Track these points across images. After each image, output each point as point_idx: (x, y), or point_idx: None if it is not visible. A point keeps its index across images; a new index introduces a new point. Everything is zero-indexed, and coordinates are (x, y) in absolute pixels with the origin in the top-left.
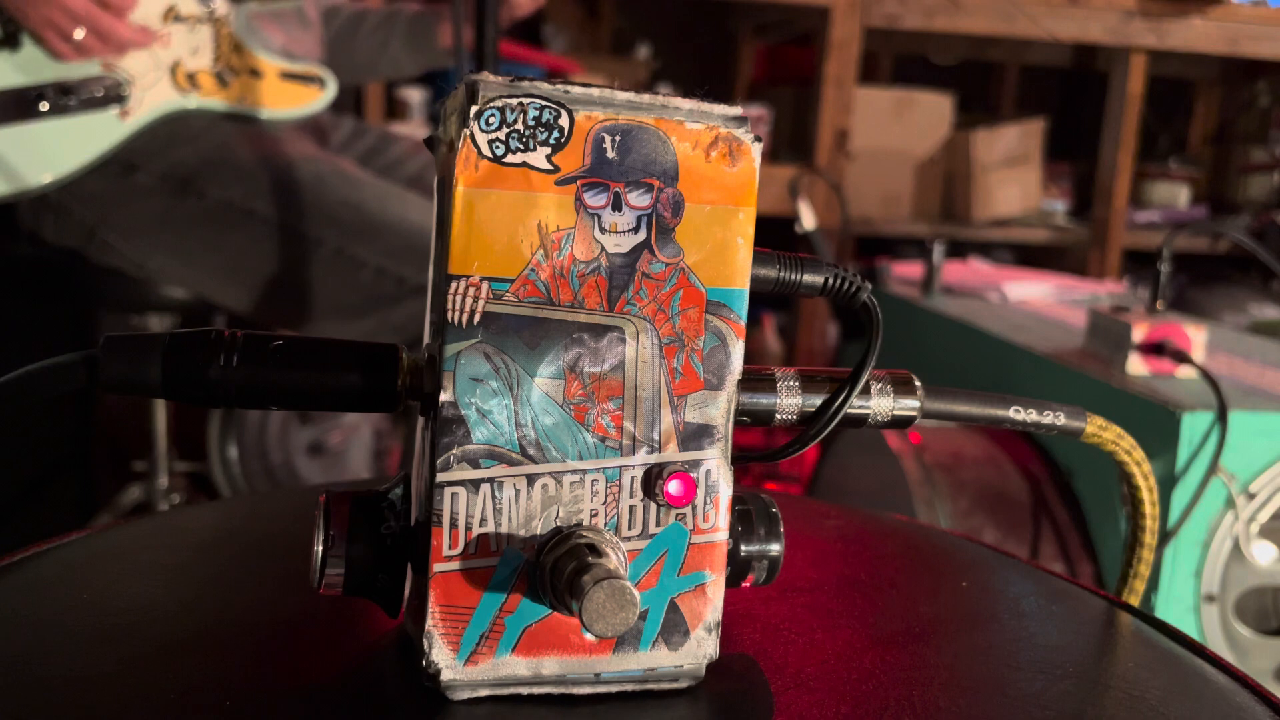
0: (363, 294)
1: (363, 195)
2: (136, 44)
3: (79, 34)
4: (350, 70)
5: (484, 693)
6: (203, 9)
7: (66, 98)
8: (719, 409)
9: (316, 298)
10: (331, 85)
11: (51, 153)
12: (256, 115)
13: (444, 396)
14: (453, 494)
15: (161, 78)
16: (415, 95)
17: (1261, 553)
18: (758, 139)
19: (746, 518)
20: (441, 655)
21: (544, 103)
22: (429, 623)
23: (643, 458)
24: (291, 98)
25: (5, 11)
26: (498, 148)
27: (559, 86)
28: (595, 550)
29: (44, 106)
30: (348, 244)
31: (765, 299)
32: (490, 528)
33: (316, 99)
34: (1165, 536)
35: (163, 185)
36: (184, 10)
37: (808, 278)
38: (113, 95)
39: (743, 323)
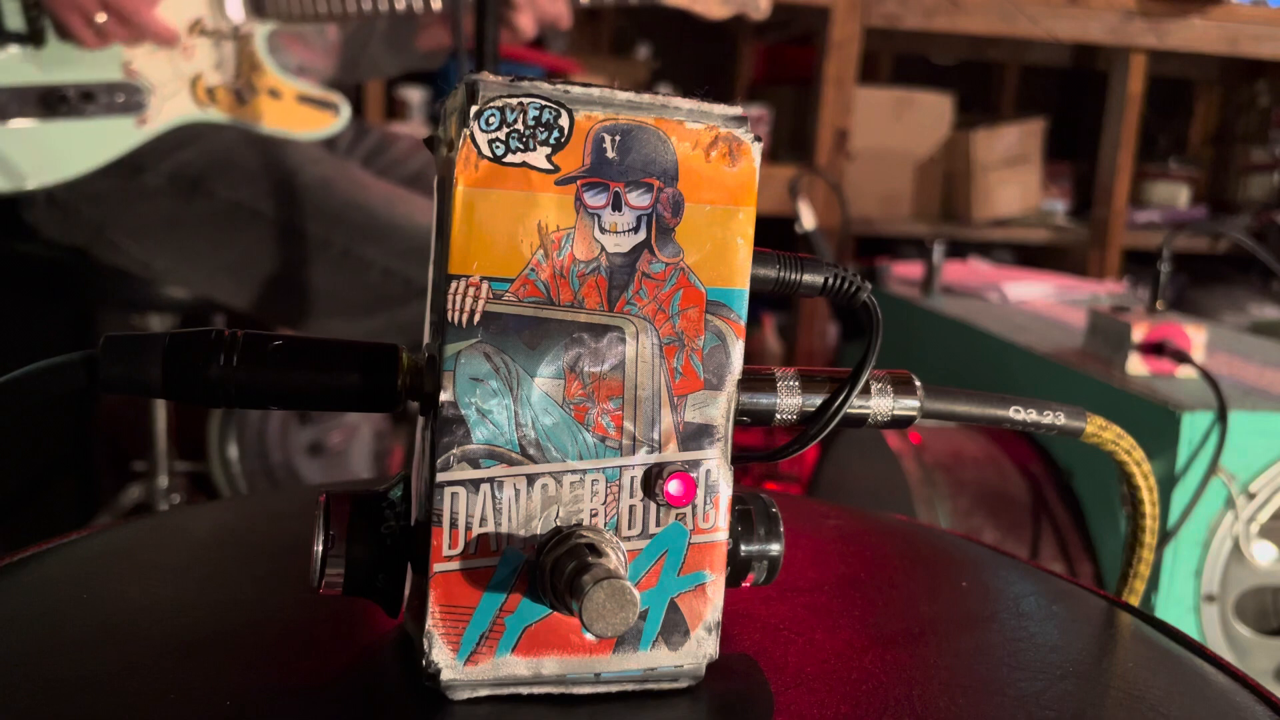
0: (370, 295)
1: (369, 197)
2: (158, 35)
3: (101, 17)
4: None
5: (484, 692)
6: (228, 24)
7: (86, 101)
8: (719, 409)
9: (324, 299)
10: (345, 110)
11: (64, 153)
12: (270, 136)
13: (444, 396)
14: (453, 494)
15: (181, 89)
16: (415, 95)
17: (1261, 553)
18: (758, 139)
19: (746, 518)
20: (441, 655)
21: (544, 102)
22: (429, 623)
23: (643, 458)
24: (306, 121)
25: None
26: (498, 147)
27: (559, 86)
28: (595, 550)
29: (63, 108)
30: (355, 245)
31: (765, 299)
32: (490, 528)
33: (331, 124)
34: (1165, 536)
35: (170, 186)
36: (210, 24)
37: (808, 278)
38: (133, 102)
39: (743, 323)
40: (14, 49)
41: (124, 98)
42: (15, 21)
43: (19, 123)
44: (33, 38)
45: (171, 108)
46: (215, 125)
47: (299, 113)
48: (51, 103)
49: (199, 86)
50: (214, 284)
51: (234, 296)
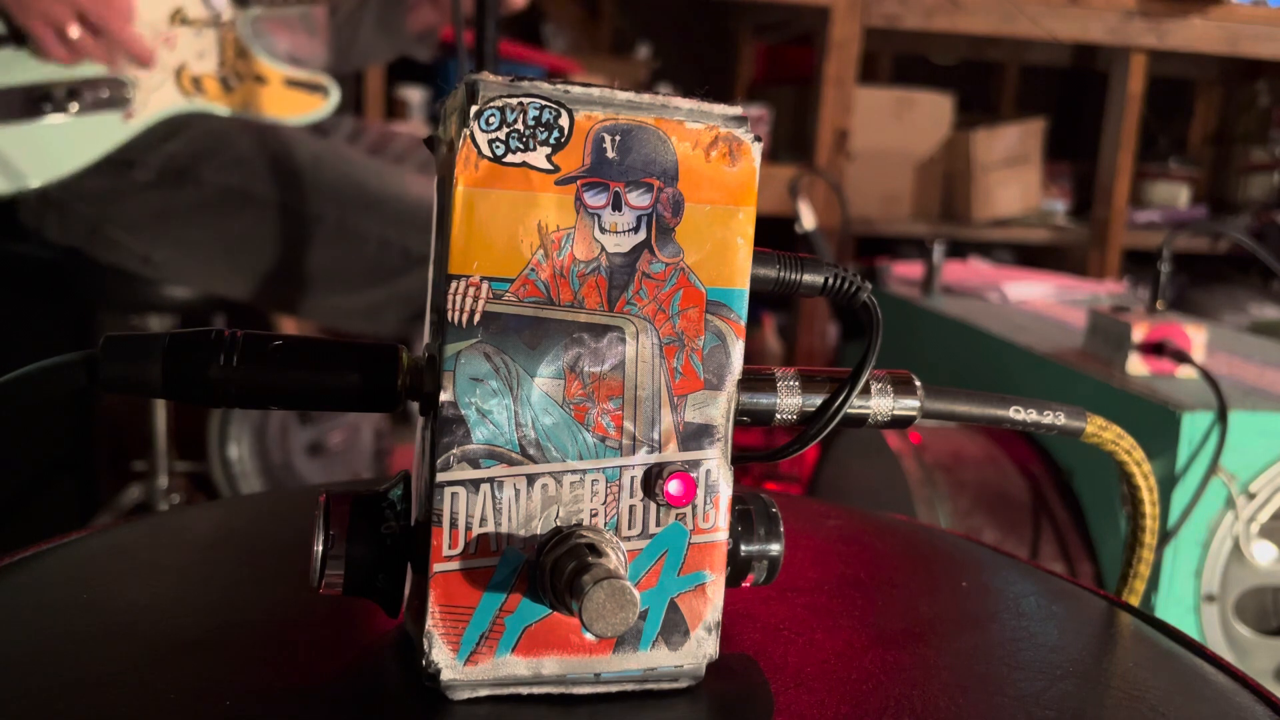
0: (369, 267)
1: (359, 170)
2: (133, 50)
3: (74, 31)
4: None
5: (484, 693)
6: (209, 13)
7: (72, 99)
8: (719, 409)
9: (323, 275)
10: (335, 93)
11: (53, 152)
12: (259, 122)
13: (444, 396)
14: (453, 494)
15: (166, 80)
16: (415, 95)
17: (1261, 553)
18: (758, 139)
19: (746, 518)
20: (441, 655)
21: (544, 102)
22: (429, 623)
23: (643, 458)
24: (295, 105)
25: (3, 8)
26: (498, 147)
27: (559, 86)
28: (595, 550)
29: (48, 107)
30: (349, 218)
31: (765, 299)
32: (490, 528)
33: (320, 107)
34: (1165, 536)
35: (160, 178)
36: (190, 14)
37: (808, 278)
38: (118, 97)
39: (743, 323)
40: None
41: (109, 93)
42: None
43: (9, 123)
44: (14, 37)
45: (158, 100)
46: (202, 114)
47: (288, 97)
48: (37, 101)
49: (184, 77)
50: (213, 272)
51: (234, 283)
